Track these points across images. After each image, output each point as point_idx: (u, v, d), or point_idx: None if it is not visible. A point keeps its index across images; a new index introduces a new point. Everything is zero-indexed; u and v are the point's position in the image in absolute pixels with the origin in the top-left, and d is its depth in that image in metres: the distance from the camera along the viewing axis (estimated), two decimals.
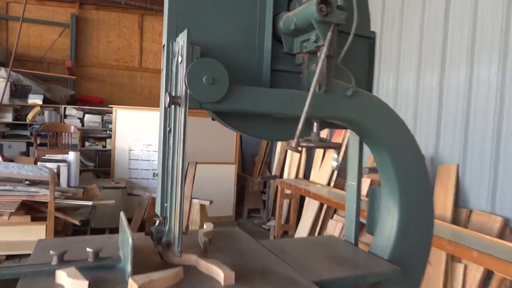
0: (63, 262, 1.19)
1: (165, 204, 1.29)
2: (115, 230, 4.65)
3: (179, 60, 1.16)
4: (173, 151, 1.26)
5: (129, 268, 1.11)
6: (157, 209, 1.32)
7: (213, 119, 1.39)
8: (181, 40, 1.16)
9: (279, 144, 6.25)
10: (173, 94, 1.19)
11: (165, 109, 1.31)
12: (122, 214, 1.41)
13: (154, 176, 1.34)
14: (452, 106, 3.45)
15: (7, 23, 6.85)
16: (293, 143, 1.20)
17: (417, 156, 1.52)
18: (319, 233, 4.71)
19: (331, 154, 4.83)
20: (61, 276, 1.12)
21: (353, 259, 1.53)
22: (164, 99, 1.22)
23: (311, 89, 1.19)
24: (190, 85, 1.09)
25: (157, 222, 1.32)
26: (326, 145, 1.33)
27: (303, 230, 4.82)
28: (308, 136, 1.30)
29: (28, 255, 2.18)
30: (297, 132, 1.20)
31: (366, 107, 1.40)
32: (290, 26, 1.27)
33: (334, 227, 4.41)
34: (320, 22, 1.15)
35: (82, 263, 1.20)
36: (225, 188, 5.97)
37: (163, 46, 1.32)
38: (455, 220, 3.22)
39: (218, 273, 1.19)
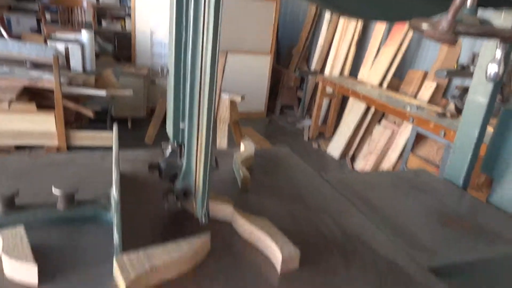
0: (11, 211, 0.71)
1: (181, 125, 0.74)
2: (137, 121, 4.16)
3: None
4: (194, 29, 0.66)
5: (116, 242, 0.62)
6: (169, 131, 0.77)
7: None
8: None
9: (322, 35, 5.36)
10: None
11: None
12: (114, 127, 0.89)
13: (162, 74, 0.78)
14: None
15: None
16: (444, 24, 0.57)
17: None
18: (362, 139, 4.20)
19: (388, 49, 4.01)
20: None
21: (475, 218, 0.99)
22: None
23: None
24: None
25: (168, 149, 0.79)
26: (492, 31, 0.68)
27: (343, 133, 4.32)
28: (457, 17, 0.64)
29: (38, 147, 1.65)
30: (457, 2, 0.56)
31: None
32: None
33: (381, 134, 3.87)
34: None
35: (43, 213, 0.72)
36: (258, 81, 5.36)
37: None
38: None
39: (273, 252, 0.69)
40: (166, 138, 0.81)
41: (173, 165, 0.77)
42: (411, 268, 0.70)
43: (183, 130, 0.74)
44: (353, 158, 4.25)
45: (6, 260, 0.59)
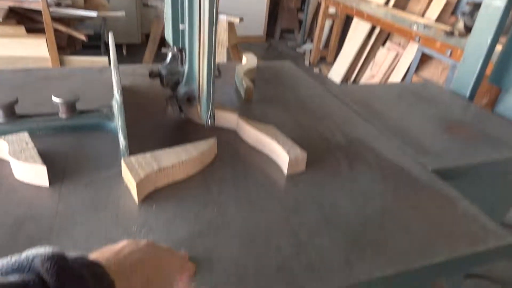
0: (12, 119, 0.70)
1: (180, 26, 0.70)
2: (132, 48, 4.01)
3: None
4: None
5: (122, 145, 0.62)
6: (167, 36, 0.73)
7: None
8: None
9: None
10: None
11: None
12: (110, 35, 0.85)
13: None
14: None
15: None
16: None
17: None
18: (365, 62, 4.10)
19: None
20: (1, 148, 0.64)
21: (480, 126, 0.99)
22: None
23: None
24: None
25: (168, 55, 0.76)
26: None
27: (345, 56, 4.19)
28: None
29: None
30: None
31: None
32: None
33: (384, 56, 3.75)
34: None
35: (45, 121, 0.71)
36: (256, 3, 5.08)
37: None
38: None
39: (280, 155, 0.69)
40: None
41: (174, 71, 0.74)
42: (415, 170, 0.71)
43: (183, 33, 0.70)
44: (355, 83, 4.18)
45: (15, 163, 0.59)
